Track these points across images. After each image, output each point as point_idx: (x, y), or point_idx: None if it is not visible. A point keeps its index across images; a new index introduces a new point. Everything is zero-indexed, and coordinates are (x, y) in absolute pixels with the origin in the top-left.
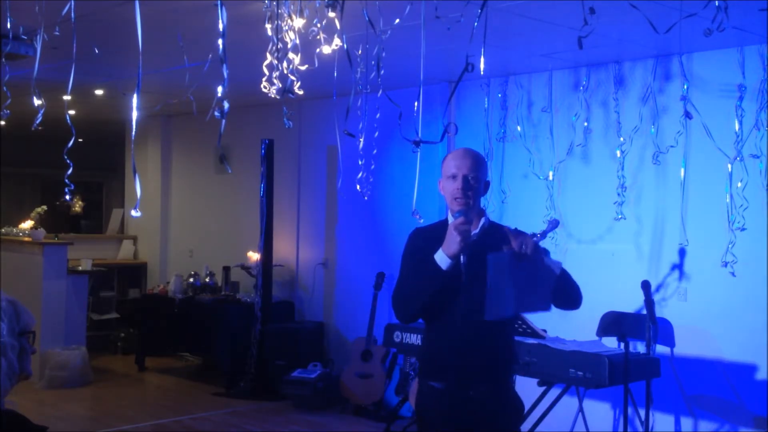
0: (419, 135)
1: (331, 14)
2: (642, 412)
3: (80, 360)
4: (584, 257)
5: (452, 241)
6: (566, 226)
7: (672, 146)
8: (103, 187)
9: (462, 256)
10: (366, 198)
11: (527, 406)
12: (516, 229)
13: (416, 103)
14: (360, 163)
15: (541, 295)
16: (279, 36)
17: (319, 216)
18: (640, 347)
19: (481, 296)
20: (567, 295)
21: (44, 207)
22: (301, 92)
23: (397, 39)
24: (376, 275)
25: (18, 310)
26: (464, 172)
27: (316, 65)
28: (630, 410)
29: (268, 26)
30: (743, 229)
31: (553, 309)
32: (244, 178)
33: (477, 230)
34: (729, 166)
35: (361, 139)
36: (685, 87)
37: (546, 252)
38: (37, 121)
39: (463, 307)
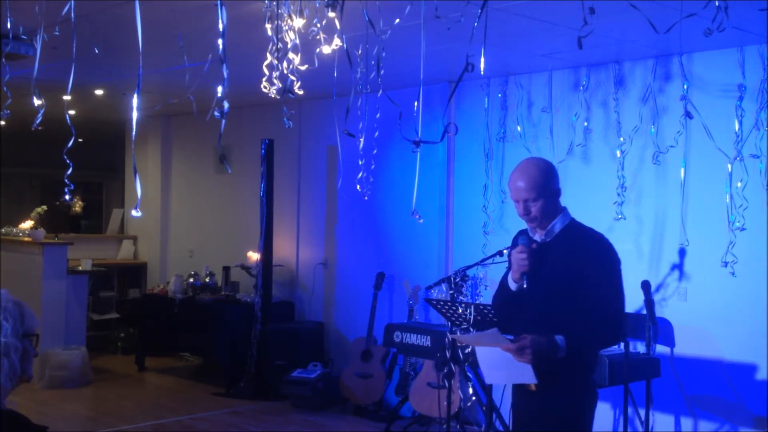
0: (419, 135)
1: (331, 14)
2: (642, 412)
3: (80, 360)
4: None
5: (513, 268)
6: None
7: (672, 146)
8: (103, 187)
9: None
10: (366, 198)
11: None
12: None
13: (416, 103)
14: (360, 163)
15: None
16: (279, 36)
17: (319, 216)
18: (640, 347)
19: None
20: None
21: (44, 207)
22: (301, 92)
23: (397, 39)
24: (376, 275)
25: (23, 312)
26: (523, 196)
27: (316, 65)
28: (630, 410)
29: (268, 26)
30: (743, 229)
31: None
32: (244, 178)
33: (543, 236)
34: (729, 166)
35: (361, 139)
36: (685, 87)
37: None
38: (37, 121)
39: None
